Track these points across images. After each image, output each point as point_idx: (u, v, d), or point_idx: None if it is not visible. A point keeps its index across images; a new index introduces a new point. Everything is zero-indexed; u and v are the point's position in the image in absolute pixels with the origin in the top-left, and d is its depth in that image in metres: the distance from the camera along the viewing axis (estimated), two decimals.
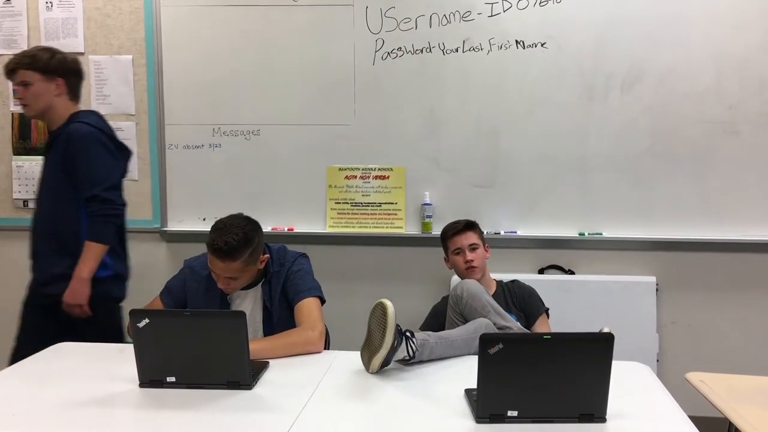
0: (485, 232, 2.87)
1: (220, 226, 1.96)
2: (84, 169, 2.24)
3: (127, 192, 3.03)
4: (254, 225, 2.02)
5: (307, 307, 2.03)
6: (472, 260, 2.42)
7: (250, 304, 2.11)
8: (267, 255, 2.08)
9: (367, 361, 1.74)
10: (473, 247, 2.46)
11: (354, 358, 1.81)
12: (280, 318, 2.09)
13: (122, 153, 2.39)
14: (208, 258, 1.97)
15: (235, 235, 1.91)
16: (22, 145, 3.10)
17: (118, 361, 1.82)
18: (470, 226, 2.51)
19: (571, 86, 2.84)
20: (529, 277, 2.67)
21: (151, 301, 2.18)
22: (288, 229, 3.00)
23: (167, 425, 1.43)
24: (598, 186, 2.87)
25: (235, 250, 1.91)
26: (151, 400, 1.56)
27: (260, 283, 2.11)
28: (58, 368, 1.79)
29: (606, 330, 1.57)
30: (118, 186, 2.33)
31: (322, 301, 2.10)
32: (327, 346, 2.07)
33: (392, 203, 2.97)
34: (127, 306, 1.69)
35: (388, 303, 1.69)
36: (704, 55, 2.77)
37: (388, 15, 2.88)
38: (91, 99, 3.04)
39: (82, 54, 3.02)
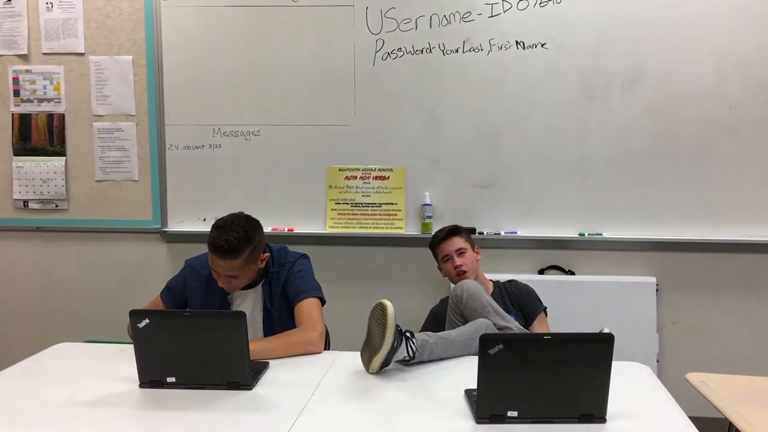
0: (485, 233, 2.89)
1: (220, 224, 1.96)
2: None
3: (128, 192, 3.08)
4: (254, 223, 2.02)
5: (307, 307, 2.03)
6: (461, 265, 2.42)
7: (250, 304, 2.11)
8: (267, 254, 2.08)
9: (367, 362, 1.74)
10: (461, 252, 2.45)
11: (354, 358, 1.81)
12: (280, 318, 2.09)
13: None
14: (209, 256, 1.97)
15: (236, 233, 1.92)
16: (23, 146, 3.10)
17: (118, 361, 1.82)
18: (454, 231, 2.51)
19: (571, 86, 2.84)
20: (529, 278, 2.66)
21: (152, 300, 2.19)
22: (288, 230, 3.00)
23: (167, 425, 1.43)
24: (598, 186, 2.87)
25: (235, 248, 1.91)
26: (151, 400, 1.57)
27: (260, 283, 2.11)
28: (58, 368, 1.79)
29: (606, 330, 1.58)
30: None
31: (323, 302, 2.10)
32: (327, 347, 2.08)
33: (392, 203, 2.97)
34: (127, 306, 1.69)
35: (388, 303, 1.69)
36: (704, 55, 2.77)
37: (388, 15, 2.88)
38: (91, 99, 3.05)
39: (82, 54, 3.03)
